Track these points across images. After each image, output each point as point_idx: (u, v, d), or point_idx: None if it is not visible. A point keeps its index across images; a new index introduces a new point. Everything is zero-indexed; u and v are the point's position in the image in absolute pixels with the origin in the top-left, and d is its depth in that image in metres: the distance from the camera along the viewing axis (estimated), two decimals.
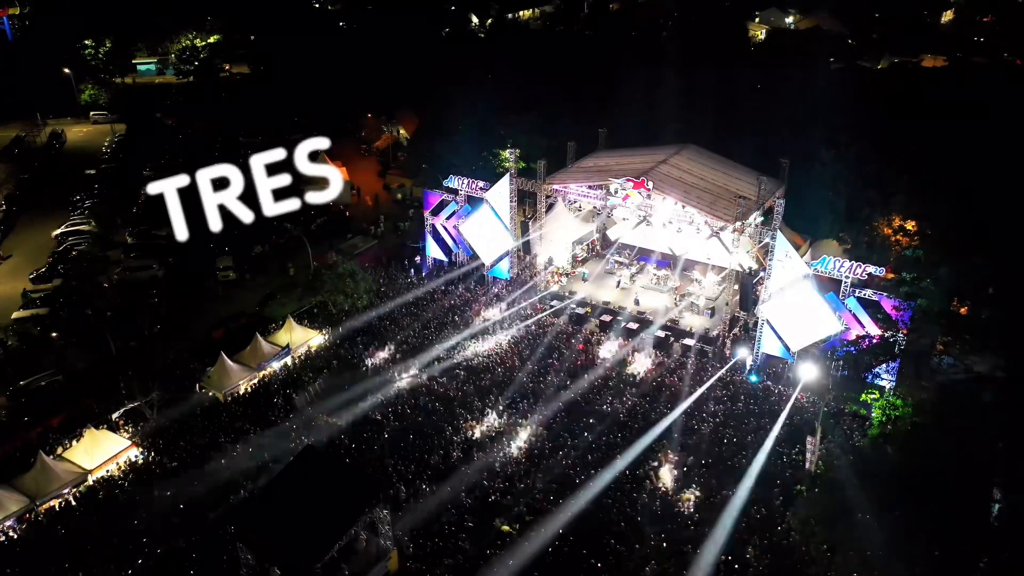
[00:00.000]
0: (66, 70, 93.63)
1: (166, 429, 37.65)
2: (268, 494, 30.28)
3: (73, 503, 33.62)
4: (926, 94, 60.36)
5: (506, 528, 31.20)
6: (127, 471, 35.22)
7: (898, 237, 44.82)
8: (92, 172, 74.19)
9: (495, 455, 35.06)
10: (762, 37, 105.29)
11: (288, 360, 42.75)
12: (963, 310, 33.62)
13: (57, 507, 33.33)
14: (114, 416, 38.22)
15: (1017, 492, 26.11)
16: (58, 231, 61.32)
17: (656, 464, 34.37)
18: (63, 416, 38.85)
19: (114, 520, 32.08)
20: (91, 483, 34.53)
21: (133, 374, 38.11)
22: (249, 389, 40.69)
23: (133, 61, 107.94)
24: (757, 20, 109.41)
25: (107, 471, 35.13)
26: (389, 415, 38.05)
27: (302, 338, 44.05)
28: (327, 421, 37.72)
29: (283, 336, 43.81)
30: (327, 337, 44.89)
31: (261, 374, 41.52)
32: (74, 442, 36.30)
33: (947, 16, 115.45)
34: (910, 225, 44.72)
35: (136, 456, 36.07)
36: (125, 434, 37.29)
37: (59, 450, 36.10)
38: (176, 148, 79.56)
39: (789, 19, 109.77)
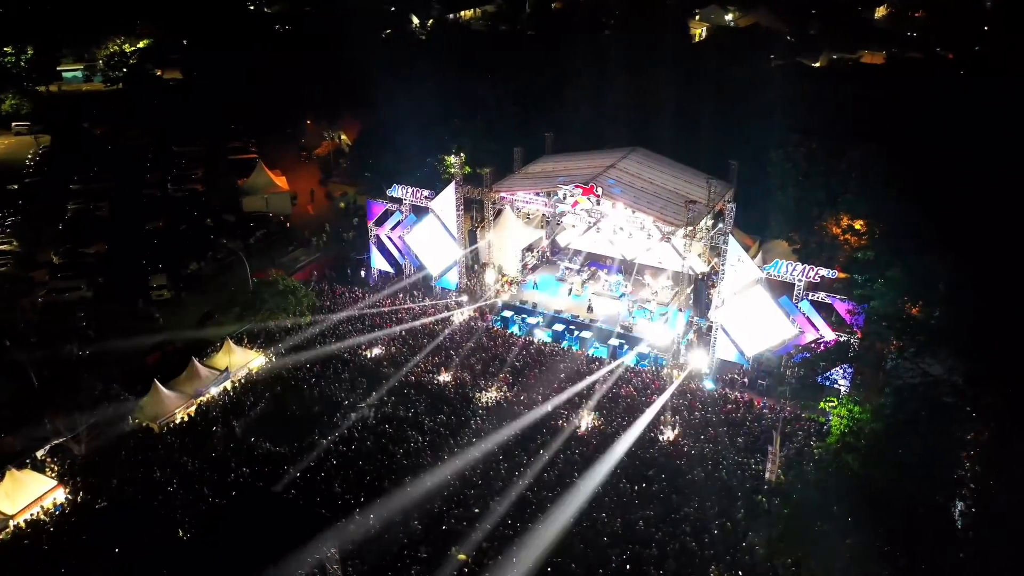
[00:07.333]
0: None
1: (96, 466, 35.26)
2: (208, 534, 28.56)
3: None
4: (868, 91, 60.65)
5: (463, 557, 29.89)
6: (53, 514, 32.77)
7: (846, 236, 44.80)
8: (14, 187, 70.01)
9: (449, 478, 33.61)
10: (704, 35, 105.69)
11: (227, 384, 40.66)
12: (915, 310, 33.37)
13: None
14: (38, 454, 35.74)
15: (979, 499, 25.80)
16: None
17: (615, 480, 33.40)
18: None
19: (40, 569, 29.81)
20: (12, 529, 32.01)
21: (59, 407, 35.69)
22: (186, 418, 38.49)
23: (58, 68, 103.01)
24: (698, 18, 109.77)
25: (31, 515, 32.64)
26: (336, 439, 36.29)
27: (242, 360, 41.95)
28: (270, 449, 35.84)
29: (221, 359, 41.65)
30: (269, 358, 42.86)
31: (198, 401, 39.37)
32: None
33: (881, 12, 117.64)
34: (858, 224, 44.75)
35: (63, 497, 33.66)
36: (51, 473, 34.80)
37: None
38: (106, 159, 75.98)
39: (729, 16, 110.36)
